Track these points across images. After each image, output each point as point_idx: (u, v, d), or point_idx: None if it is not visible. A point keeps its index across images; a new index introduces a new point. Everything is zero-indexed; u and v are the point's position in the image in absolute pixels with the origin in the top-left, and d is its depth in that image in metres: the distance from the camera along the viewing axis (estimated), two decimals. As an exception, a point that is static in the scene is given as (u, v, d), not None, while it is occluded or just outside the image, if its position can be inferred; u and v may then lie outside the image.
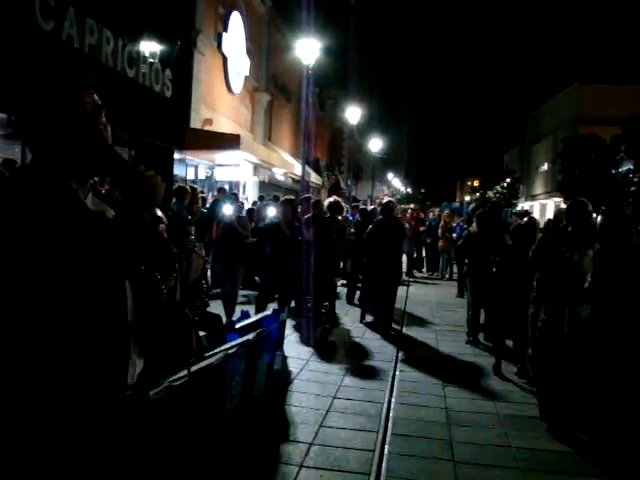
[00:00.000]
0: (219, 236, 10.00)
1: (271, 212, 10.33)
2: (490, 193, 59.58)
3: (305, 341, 9.08)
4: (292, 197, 12.02)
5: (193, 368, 4.57)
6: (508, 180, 60.90)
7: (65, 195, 1.88)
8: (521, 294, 6.77)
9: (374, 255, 10.58)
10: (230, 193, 15.24)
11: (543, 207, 52.16)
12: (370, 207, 19.30)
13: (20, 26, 9.73)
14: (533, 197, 59.56)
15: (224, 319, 8.23)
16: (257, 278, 12.85)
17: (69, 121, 1.91)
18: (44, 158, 1.92)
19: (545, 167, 55.49)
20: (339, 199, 11.03)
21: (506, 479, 4.93)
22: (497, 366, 7.99)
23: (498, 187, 60.26)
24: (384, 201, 11.92)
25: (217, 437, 5.13)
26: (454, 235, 16.52)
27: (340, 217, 10.78)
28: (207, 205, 14.15)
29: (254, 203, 17.66)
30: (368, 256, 10.80)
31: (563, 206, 33.86)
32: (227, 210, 10.04)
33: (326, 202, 10.91)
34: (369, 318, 10.88)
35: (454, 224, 18.41)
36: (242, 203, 15.17)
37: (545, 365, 6.08)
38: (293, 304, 10.38)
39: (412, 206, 26.94)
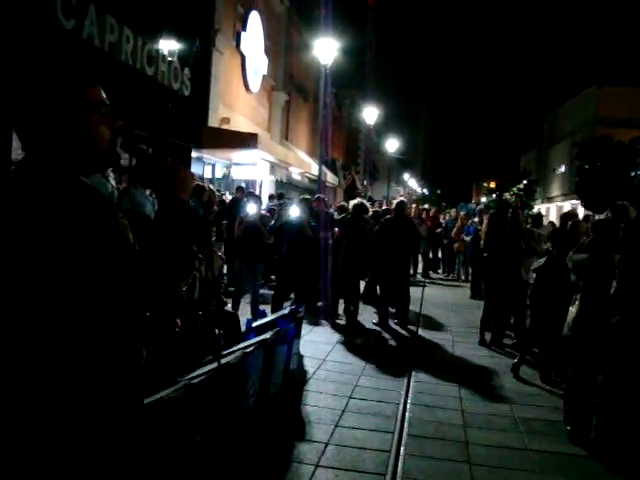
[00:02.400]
0: (241, 234, 10.00)
1: (294, 211, 10.32)
2: (507, 195, 59.29)
3: (321, 340, 9.11)
4: (308, 196, 12.05)
5: (211, 366, 4.59)
6: (525, 182, 60.61)
7: (85, 189, 1.87)
8: (562, 301, 6.61)
9: (385, 253, 10.61)
10: (248, 192, 15.22)
11: (560, 209, 51.83)
12: (384, 207, 19.29)
13: (42, 25, 9.79)
14: (550, 199, 59.27)
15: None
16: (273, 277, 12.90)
17: (76, 116, 1.89)
18: (46, 154, 1.87)
19: (562, 169, 55.18)
20: (363, 200, 11.25)
21: (522, 482, 4.92)
22: (516, 367, 7.94)
23: (515, 189, 59.96)
24: (396, 201, 12.03)
25: (234, 436, 5.15)
26: (466, 238, 16.34)
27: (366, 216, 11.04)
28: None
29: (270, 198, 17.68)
30: (380, 254, 10.83)
31: (581, 209, 33.80)
32: (251, 209, 10.05)
33: (351, 204, 11.10)
34: (375, 318, 10.88)
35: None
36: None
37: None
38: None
39: (426, 206, 26.82)
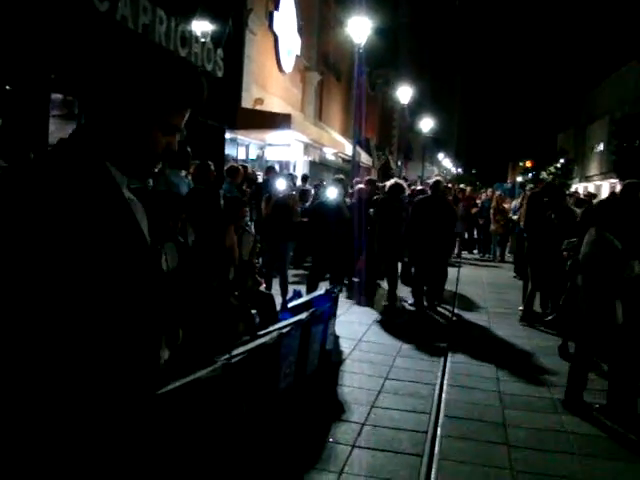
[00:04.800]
0: (269, 213, 9.87)
1: (331, 192, 10.19)
2: (544, 174, 58.51)
3: (356, 320, 9.09)
4: (342, 177, 11.98)
5: (248, 346, 4.60)
6: (562, 161, 59.74)
7: (107, 182, 1.76)
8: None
9: (420, 233, 10.50)
10: (267, 168, 15.12)
11: (598, 188, 51.06)
12: (419, 187, 19.14)
13: (77, 7, 9.83)
14: (587, 178, 58.38)
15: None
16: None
17: (145, 129, 1.80)
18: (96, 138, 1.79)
19: (601, 147, 54.26)
20: (400, 181, 11.12)
21: (562, 464, 4.85)
22: (563, 348, 7.81)
23: (551, 168, 59.15)
24: (432, 180, 11.94)
25: (270, 416, 5.16)
26: (514, 217, 16.01)
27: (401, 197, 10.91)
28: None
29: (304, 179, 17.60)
30: (415, 234, 10.74)
31: (619, 188, 33.23)
32: (280, 185, 9.92)
33: (387, 184, 10.98)
34: (410, 299, 10.82)
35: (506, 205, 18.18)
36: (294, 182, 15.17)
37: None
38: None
39: (462, 186, 26.58)
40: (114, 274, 1.67)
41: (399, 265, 11.54)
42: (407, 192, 12.12)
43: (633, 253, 5.72)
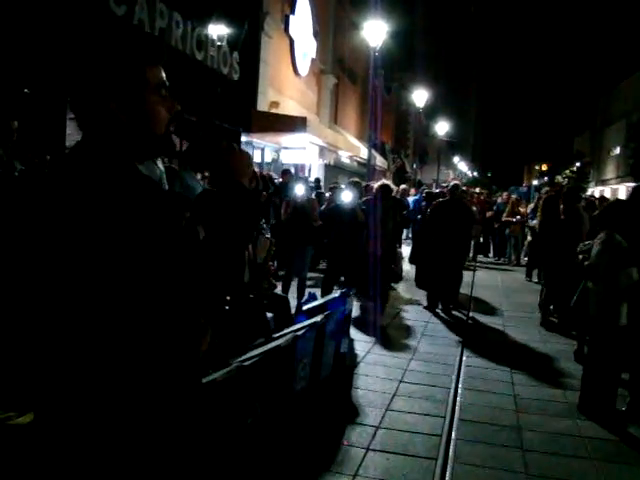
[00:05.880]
0: (288, 217, 9.90)
1: (346, 196, 10.17)
2: (559, 177, 58.22)
3: (371, 324, 9.07)
4: (357, 180, 11.97)
5: (263, 349, 4.61)
6: (578, 164, 59.42)
7: (143, 180, 1.75)
8: None
9: (438, 236, 10.47)
10: (284, 171, 15.15)
11: (614, 192, 50.70)
12: (436, 190, 19.06)
13: (94, 11, 9.91)
14: (604, 182, 58.00)
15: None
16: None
17: (134, 94, 1.78)
18: (101, 136, 1.78)
19: (617, 151, 53.92)
20: (387, 182, 11.03)
21: (577, 469, 4.83)
22: (578, 352, 7.77)
23: (567, 171, 58.85)
24: (450, 184, 11.89)
25: (285, 418, 5.17)
26: (532, 222, 16.01)
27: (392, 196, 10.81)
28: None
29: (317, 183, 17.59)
30: (432, 237, 10.69)
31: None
32: (299, 190, 9.93)
33: (375, 185, 10.93)
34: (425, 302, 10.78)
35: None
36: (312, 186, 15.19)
37: None
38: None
39: (477, 190, 26.51)
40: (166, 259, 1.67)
41: (413, 267, 11.46)
42: (395, 192, 11.99)
43: (635, 258, 5.72)
